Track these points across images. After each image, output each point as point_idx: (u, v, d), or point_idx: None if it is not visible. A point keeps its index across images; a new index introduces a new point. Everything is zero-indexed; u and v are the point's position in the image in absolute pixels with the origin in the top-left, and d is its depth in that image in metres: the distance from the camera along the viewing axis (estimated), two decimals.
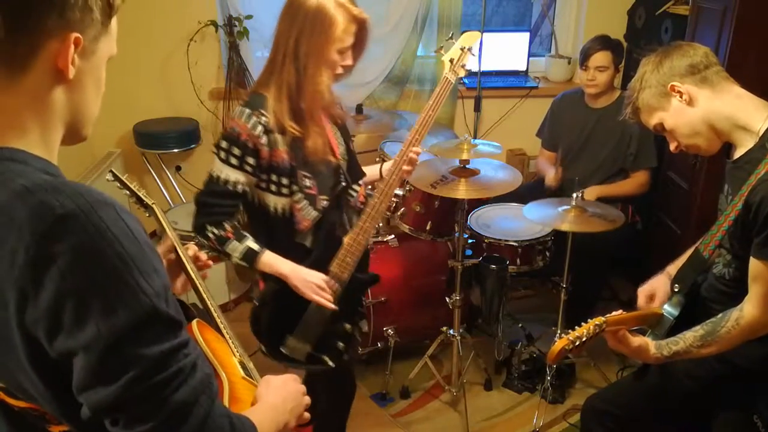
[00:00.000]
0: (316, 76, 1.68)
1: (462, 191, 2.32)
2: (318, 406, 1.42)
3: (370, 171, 2.04)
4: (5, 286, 0.73)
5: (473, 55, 1.96)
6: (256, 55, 3.45)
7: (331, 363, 1.84)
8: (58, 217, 0.72)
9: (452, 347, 2.61)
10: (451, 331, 2.61)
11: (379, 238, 2.82)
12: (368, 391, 2.80)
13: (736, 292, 1.57)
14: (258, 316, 1.83)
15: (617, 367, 2.86)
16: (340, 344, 1.86)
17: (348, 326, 1.86)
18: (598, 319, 1.44)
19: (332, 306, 1.76)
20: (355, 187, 1.97)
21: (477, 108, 3.70)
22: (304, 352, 1.83)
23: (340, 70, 1.74)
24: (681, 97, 1.56)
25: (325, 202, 1.81)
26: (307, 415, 1.12)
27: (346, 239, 1.81)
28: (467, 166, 2.41)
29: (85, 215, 0.73)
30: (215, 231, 1.70)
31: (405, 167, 1.84)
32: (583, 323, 1.44)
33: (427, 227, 2.67)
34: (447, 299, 2.56)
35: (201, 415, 0.80)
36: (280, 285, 1.77)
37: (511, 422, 2.63)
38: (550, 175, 3.05)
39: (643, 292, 1.79)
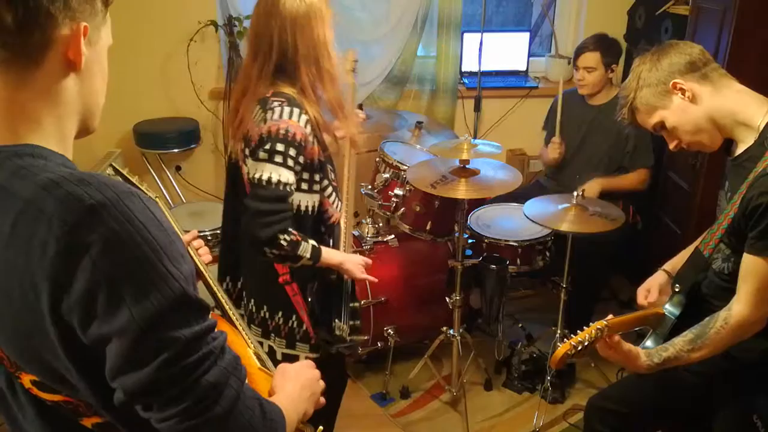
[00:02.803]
0: (332, 65, 1.72)
1: (462, 191, 2.32)
2: None
3: None
4: (38, 278, 0.74)
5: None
6: None
7: (357, 338, 2.01)
8: (87, 208, 0.73)
9: (452, 347, 2.61)
10: (451, 331, 2.61)
11: (379, 238, 2.82)
12: (368, 391, 2.80)
13: (735, 287, 1.57)
14: (313, 312, 1.86)
15: (617, 367, 2.85)
16: (357, 322, 1.97)
17: (357, 304, 1.99)
18: (600, 323, 1.44)
19: (376, 280, 2.00)
20: None
21: (477, 108, 3.70)
22: (347, 331, 1.90)
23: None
24: (683, 94, 1.55)
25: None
26: (322, 399, 1.13)
27: (341, 222, 1.92)
28: (467, 166, 2.41)
29: (113, 205, 0.74)
30: (287, 238, 1.64)
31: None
32: (585, 327, 1.43)
33: (427, 227, 2.67)
34: (447, 299, 2.56)
35: (232, 396, 0.82)
36: (317, 279, 1.83)
37: (511, 422, 2.63)
38: (552, 149, 3.05)
39: (641, 290, 1.80)
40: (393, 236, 2.82)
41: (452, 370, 2.66)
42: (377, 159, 2.80)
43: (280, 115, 1.63)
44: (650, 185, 3.01)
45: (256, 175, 1.62)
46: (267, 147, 1.61)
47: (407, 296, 2.76)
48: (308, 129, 1.66)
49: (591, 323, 1.44)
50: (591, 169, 2.99)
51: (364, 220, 2.90)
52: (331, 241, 1.87)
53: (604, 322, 1.44)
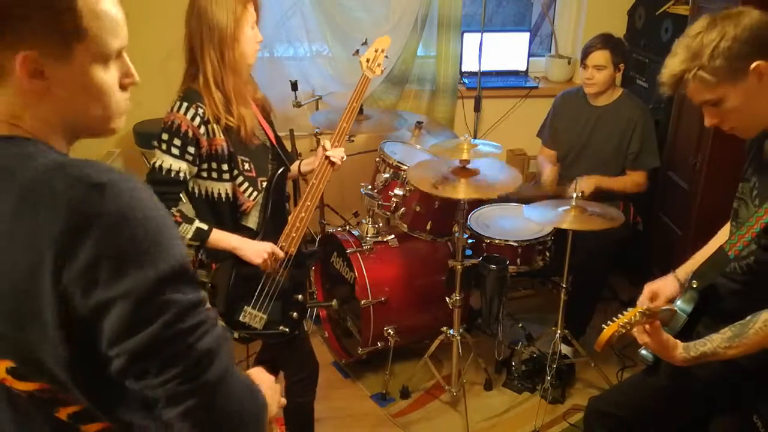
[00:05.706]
0: (235, 57, 1.82)
1: (462, 191, 2.32)
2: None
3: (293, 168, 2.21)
4: (42, 254, 0.76)
5: (386, 57, 2.17)
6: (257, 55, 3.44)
7: (287, 329, 1.99)
8: (93, 186, 0.77)
9: (452, 347, 2.61)
10: (451, 331, 2.61)
11: (379, 238, 2.81)
12: (368, 391, 2.80)
13: (746, 289, 1.56)
14: (215, 293, 1.96)
15: (617, 367, 2.86)
16: (295, 314, 2.00)
17: (299, 296, 2.01)
18: (640, 307, 1.42)
19: (280, 258, 1.94)
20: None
21: (477, 108, 3.70)
22: (261, 320, 1.96)
23: (257, 46, 1.89)
24: (760, 79, 1.38)
25: (264, 183, 1.95)
26: (283, 400, 1.16)
27: (290, 217, 1.99)
28: (467, 166, 2.41)
29: (117, 183, 0.79)
30: None
31: (331, 157, 2.03)
32: (622, 313, 1.41)
33: (427, 227, 2.67)
34: (447, 299, 2.56)
35: (224, 364, 0.86)
36: (231, 262, 1.90)
37: (511, 422, 2.63)
38: (546, 172, 3.05)
39: (648, 288, 1.77)
40: (393, 236, 2.82)
41: (452, 370, 2.66)
42: (377, 159, 2.80)
43: (172, 109, 1.83)
44: (649, 187, 3.00)
45: (151, 161, 1.84)
46: (158, 136, 1.82)
47: (407, 296, 2.77)
48: (196, 121, 1.80)
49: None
50: (593, 171, 2.99)
51: (364, 220, 2.89)
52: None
53: (645, 306, 1.42)
